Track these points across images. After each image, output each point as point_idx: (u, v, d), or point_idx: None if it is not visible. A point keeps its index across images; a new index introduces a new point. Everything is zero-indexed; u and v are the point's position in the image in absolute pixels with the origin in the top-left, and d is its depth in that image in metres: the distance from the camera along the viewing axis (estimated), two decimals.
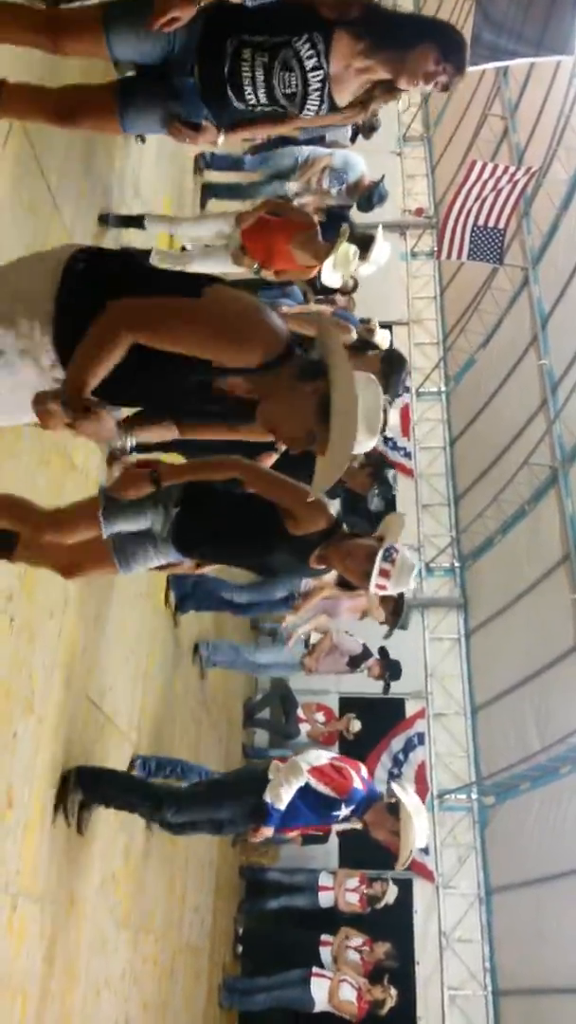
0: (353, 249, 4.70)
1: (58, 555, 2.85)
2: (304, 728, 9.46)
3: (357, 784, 4.06)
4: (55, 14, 2.61)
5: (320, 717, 9.77)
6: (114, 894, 4.16)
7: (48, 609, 3.25)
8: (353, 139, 7.01)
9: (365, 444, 2.12)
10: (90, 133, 3.40)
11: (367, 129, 6.83)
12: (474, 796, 10.80)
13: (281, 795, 4.01)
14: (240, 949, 8.22)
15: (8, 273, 1.98)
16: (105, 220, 4.13)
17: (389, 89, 2.56)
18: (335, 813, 4.18)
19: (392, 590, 2.98)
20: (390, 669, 8.08)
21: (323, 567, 2.97)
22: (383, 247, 5.05)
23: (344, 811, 4.16)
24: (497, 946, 9.94)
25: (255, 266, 4.78)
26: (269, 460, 3.24)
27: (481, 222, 10.89)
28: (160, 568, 3.06)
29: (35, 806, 3.17)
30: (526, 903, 9.37)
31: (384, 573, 2.89)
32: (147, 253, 4.49)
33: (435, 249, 12.80)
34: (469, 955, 10.04)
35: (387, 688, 8.10)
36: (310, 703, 9.66)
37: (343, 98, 2.52)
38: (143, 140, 4.67)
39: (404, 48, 2.42)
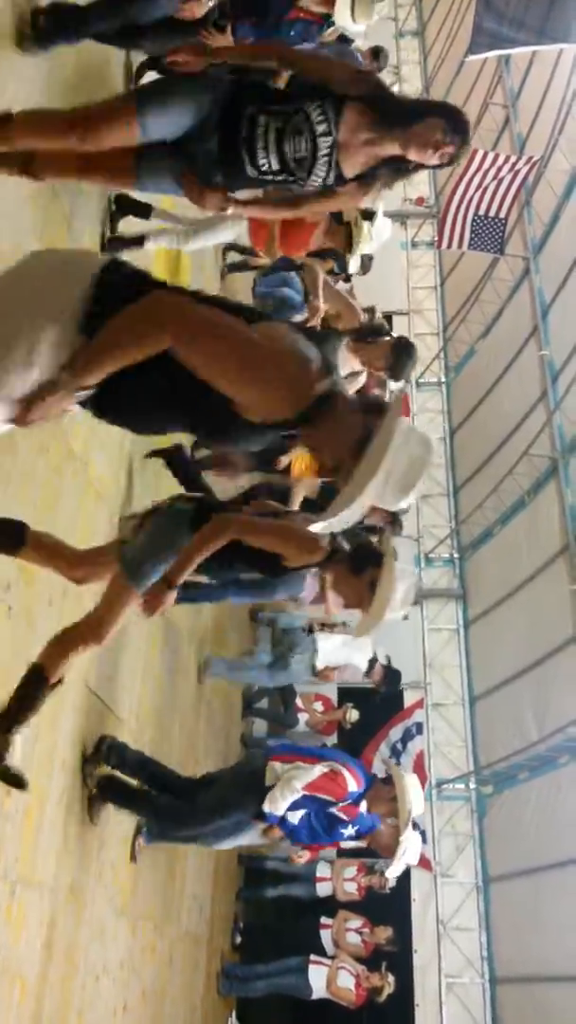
0: (368, 226, 4.72)
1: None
2: (303, 718, 9.48)
3: (352, 786, 4.16)
4: (86, 112, 2.67)
5: (319, 707, 9.79)
6: (113, 882, 4.17)
7: (47, 597, 3.25)
8: None
9: (396, 503, 1.89)
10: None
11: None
12: (472, 786, 10.83)
13: (279, 805, 4.15)
14: (239, 940, 8.25)
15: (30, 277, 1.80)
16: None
17: (396, 169, 2.68)
18: (342, 830, 4.39)
19: (398, 606, 2.95)
20: (389, 678, 8.10)
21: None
22: (384, 223, 5.07)
23: (351, 830, 4.38)
24: (494, 934, 9.99)
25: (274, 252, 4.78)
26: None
27: (482, 211, 10.85)
28: None
29: (34, 793, 3.17)
30: (523, 892, 9.41)
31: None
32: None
33: (436, 239, 12.75)
34: (466, 943, 10.10)
35: (383, 688, 8.11)
36: (309, 693, 9.67)
37: (350, 169, 2.64)
38: None
39: (411, 122, 2.53)
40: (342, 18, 3.82)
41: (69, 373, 1.69)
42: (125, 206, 4.26)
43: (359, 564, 3.06)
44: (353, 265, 4.83)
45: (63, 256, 1.96)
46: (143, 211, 4.40)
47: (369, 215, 4.94)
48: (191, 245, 4.85)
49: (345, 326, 4.78)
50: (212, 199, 2.74)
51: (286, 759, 4.22)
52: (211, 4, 3.71)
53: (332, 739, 9.74)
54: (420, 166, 2.63)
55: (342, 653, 7.67)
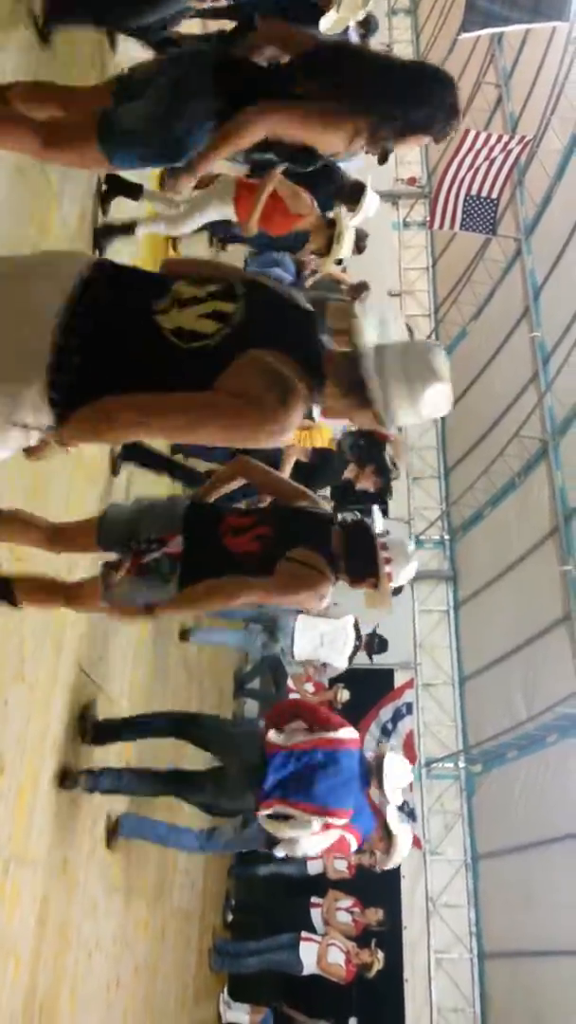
0: (347, 224, 4.78)
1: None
2: (294, 698, 9.53)
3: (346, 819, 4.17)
4: (54, 132, 2.56)
5: (310, 687, 9.83)
6: (105, 858, 4.21)
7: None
8: None
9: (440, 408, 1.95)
10: None
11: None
12: (461, 764, 10.94)
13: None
14: (231, 917, 8.33)
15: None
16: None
17: None
18: None
19: (398, 572, 3.13)
20: (377, 645, 8.14)
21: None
22: (372, 197, 5.10)
23: None
24: (483, 911, 10.13)
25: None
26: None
27: (474, 192, 10.81)
28: None
29: (27, 772, 3.19)
30: (511, 869, 9.54)
31: (387, 575, 3.11)
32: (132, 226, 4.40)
33: (427, 219, 12.70)
34: (455, 919, 10.24)
35: (371, 655, 8.16)
36: (299, 674, 9.71)
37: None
38: None
39: (400, 135, 2.50)
40: (327, 21, 3.77)
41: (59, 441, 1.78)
42: (116, 187, 4.21)
43: (357, 574, 3.09)
44: (345, 250, 4.86)
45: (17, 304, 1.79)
46: (133, 192, 4.36)
47: (358, 189, 5.02)
48: (181, 229, 4.84)
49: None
50: (185, 183, 2.73)
51: (278, 805, 4.05)
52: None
53: None
54: None
55: (321, 654, 7.63)
